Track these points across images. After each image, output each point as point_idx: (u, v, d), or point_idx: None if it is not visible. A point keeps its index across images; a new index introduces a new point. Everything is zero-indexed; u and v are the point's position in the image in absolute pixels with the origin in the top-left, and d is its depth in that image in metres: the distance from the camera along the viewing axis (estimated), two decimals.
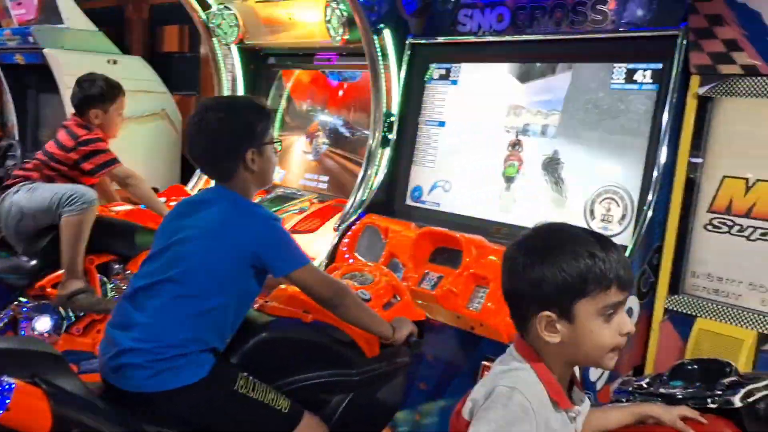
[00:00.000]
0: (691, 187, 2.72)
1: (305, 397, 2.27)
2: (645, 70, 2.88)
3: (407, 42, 3.61)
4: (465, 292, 2.89)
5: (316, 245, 3.55)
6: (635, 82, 2.91)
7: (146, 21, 5.96)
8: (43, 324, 3.57)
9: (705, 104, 2.70)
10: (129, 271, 3.75)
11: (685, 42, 2.69)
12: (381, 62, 3.63)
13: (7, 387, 1.82)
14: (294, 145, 4.49)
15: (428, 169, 3.58)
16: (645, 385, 1.97)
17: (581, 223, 2.97)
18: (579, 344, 1.48)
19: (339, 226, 3.52)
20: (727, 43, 2.60)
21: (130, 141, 4.84)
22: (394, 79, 3.66)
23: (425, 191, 3.58)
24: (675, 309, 2.66)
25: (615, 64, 2.96)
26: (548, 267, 1.45)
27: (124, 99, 3.89)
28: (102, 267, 3.68)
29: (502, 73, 3.36)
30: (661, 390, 1.90)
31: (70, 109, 4.70)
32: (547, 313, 1.47)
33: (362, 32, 3.60)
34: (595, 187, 2.96)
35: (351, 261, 3.24)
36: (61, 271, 3.58)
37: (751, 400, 1.74)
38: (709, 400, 1.76)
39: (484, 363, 2.85)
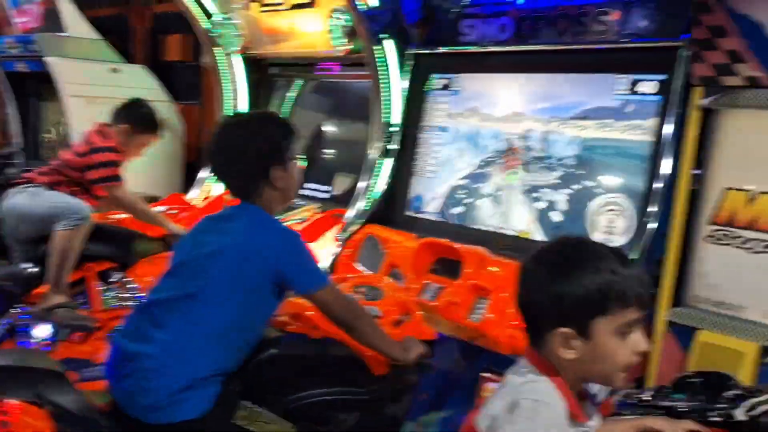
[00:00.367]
0: (694, 199, 2.70)
1: (312, 415, 2.26)
2: (648, 81, 2.87)
3: (409, 52, 3.60)
4: (466, 303, 2.88)
5: (318, 255, 3.53)
6: (638, 93, 2.90)
7: (149, 30, 5.97)
8: (42, 331, 3.56)
9: (708, 116, 2.69)
10: (128, 279, 3.74)
11: (687, 53, 2.69)
12: (382, 72, 3.62)
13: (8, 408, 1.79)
14: None
15: (429, 179, 3.57)
16: (647, 398, 1.95)
17: (584, 235, 2.95)
18: (594, 362, 1.47)
19: (340, 236, 3.51)
20: (730, 54, 2.59)
21: None
22: (396, 89, 3.65)
23: (426, 201, 3.57)
24: (677, 321, 2.64)
25: (618, 75, 2.95)
26: (569, 282, 1.43)
27: (156, 138, 3.91)
28: (101, 274, 3.67)
29: (503, 83, 3.36)
30: (664, 403, 1.88)
31: (72, 117, 4.73)
32: (564, 329, 1.45)
33: (364, 42, 3.59)
34: (598, 199, 2.95)
35: (354, 274, 3.21)
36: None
37: (754, 413, 1.72)
38: (712, 414, 1.74)
39: (484, 374, 2.83)
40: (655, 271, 2.73)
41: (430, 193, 3.55)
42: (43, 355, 2.46)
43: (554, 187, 3.10)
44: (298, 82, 4.60)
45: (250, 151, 2.20)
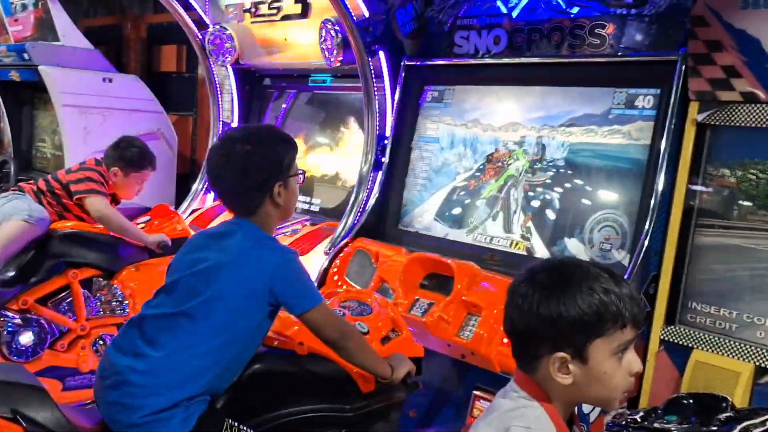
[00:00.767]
0: (690, 216, 2.66)
1: (296, 431, 2.21)
2: (643, 95, 2.83)
3: (402, 64, 3.57)
4: (456, 320, 2.83)
5: (307, 268, 3.48)
6: (633, 107, 2.86)
7: (144, 40, 5.95)
8: (26, 338, 3.51)
9: (704, 131, 2.65)
10: (114, 286, 3.70)
11: (683, 68, 2.65)
12: (375, 84, 3.58)
13: None
14: None
15: (420, 192, 3.52)
16: (639, 419, 1.91)
17: (579, 251, 2.91)
18: (591, 386, 1.42)
19: (329, 249, 3.46)
20: (726, 69, 2.55)
21: None
22: (388, 101, 3.61)
23: (417, 215, 3.52)
24: (671, 340, 2.59)
25: (613, 89, 2.91)
26: (564, 304, 1.38)
27: (150, 173, 3.91)
28: (85, 282, 3.63)
29: (497, 95, 3.32)
30: (656, 425, 1.85)
31: (65, 127, 4.70)
32: (561, 354, 1.40)
33: (356, 54, 3.56)
34: (592, 214, 2.90)
35: (343, 288, 3.15)
36: (46, 284, 3.54)
37: None
38: None
39: (476, 393, 2.78)
40: (650, 288, 2.69)
41: (422, 206, 3.50)
42: (22, 369, 2.39)
43: (548, 201, 3.05)
44: (291, 94, 4.56)
45: (252, 166, 2.14)
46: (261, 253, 2.11)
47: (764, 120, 2.48)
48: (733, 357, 2.44)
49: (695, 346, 2.52)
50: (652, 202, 2.67)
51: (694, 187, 2.65)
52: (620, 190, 2.87)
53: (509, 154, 3.22)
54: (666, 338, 2.60)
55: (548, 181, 3.07)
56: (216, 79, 4.61)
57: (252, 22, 4.22)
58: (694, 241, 2.65)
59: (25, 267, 3.51)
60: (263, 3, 4.11)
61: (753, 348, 2.42)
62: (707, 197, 2.64)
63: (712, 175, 2.63)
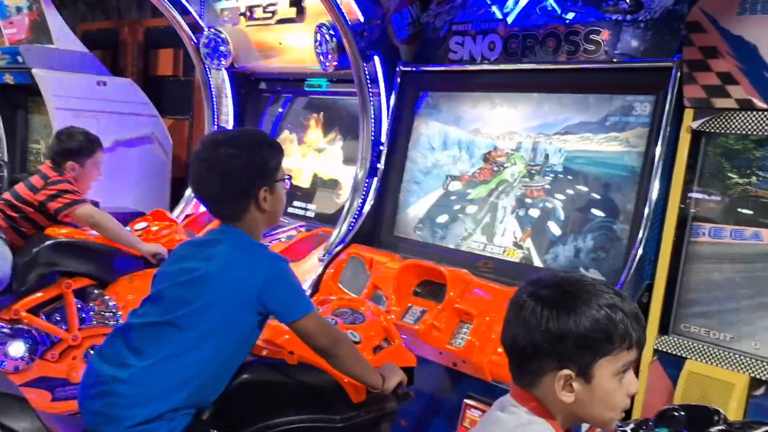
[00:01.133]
0: (684, 225, 2.63)
1: None
2: (639, 102, 2.81)
3: (398, 69, 3.54)
4: (448, 328, 2.80)
5: (301, 275, 3.46)
6: (628, 114, 2.83)
7: (141, 44, 5.93)
8: (16, 349, 3.47)
9: (699, 138, 2.62)
10: (107, 297, 3.66)
11: (679, 74, 2.62)
12: (370, 89, 3.55)
13: None
14: None
15: (415, 198, 3.50)
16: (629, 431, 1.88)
17: (572, 259, 2.88)
18: (592, 405, 1.41)
19: (324, 256, 3.43)
20: (722, 76, 2.52)
21: (118, 164, 4.78)
22: (384, 106, 3.59)
23: (412, 221, 3.49)
24: (664, 350, 2.56)
25: (608, 96, 2.89)
26: (573, 322, 1.36)
27: (101, 153, 3.85)
28: (79, 292, 3.58)
29: (493, 103, 3.29)
30: None
31: (58, 129, 4.66)
32: (567, 372, 1.37)
33: (351, 58, 3.53)
34: (587, 223, 2.87)
35: (336, 295, 3.12)
36: (38, 294, 3.50)
37: None
38: None
39: (467, 401, 2.75)
40: (643, 297, 2.66)
41: (417, 212, 3.47)
42: (4, 378, 2.36)
43: (542, 208, 3.02)
44: (287, 98, 4.54)
45: (236, 171, 2.07)
46: (250, 261, 2.07)
47: (760, 128, 2.46)
48: (728, 368, 2.41)
49: (689, 357, 2.49)
50: (647, 210, 2.65)
51: (689, 195, 2.62)
52: (615, 197, 2.84)
53: (506, 156, 3.18)
54: (659, 348, 2.56)
55: (543, 188, 3.04)
56: (211, 82, 4.59)
57: (247, 26, 4.20)
58: (689, 249, 2.63)
59: (17, 276, 3.47)
60: (258, 6, 4.08)
61: (748, 359, 2.38)
62: (702, 205, 2.62)
63: (707, 183, 2.61)
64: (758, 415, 2.34)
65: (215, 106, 4.62)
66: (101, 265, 3.63)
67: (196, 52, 4.48)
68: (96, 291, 3.64)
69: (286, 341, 2.27)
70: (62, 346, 3.57)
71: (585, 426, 2.56)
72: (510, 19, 3.17)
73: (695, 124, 2.59)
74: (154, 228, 3.98)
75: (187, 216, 4.44)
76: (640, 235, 2.63)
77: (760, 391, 2.39)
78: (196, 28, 4.48)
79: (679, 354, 2.52)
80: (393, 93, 3.55)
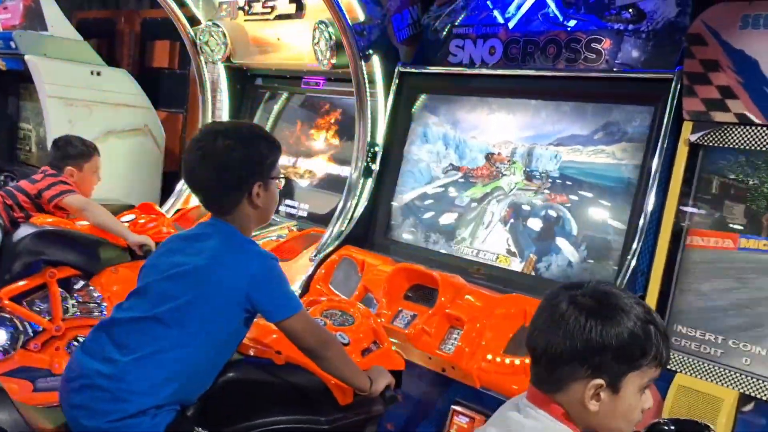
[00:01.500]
0: (678, 237, 2.62)
1: None
2: (637, 113, 2.79)
3: (396, 70, 3.52)
4: (438, 333, 2.77)
5: (292, 274, 3.43)
6: (627, 124, 2.82)
7: (138, 35, 5.87)
8: None
9: (696, 151, 2.61)
10: (92, 288, 3.61)
11: (678, 86, 2.61)
12: (368, 89, 3.52)
13: None
14: None
15: (410, 201, 3.47)
16: None
17: (565, 269, 2.86)
18: (614, 417, 1.43)
19: (315, 256, 3.40)
20: (722, 89, 2.52)
21: (109, 155, 4.71)
22: (381, 107, 3.56)
23: (406, 224, 3.47)
24: None
25: (607, 105, 2.87)
26: (614, 334, 1.39)
27: (98, 159, 3.95)
28: (63, 282, 3.53)
29: (491, 106, 3.27)
30: None
31: (50, 118, 4.61)
32: (599, 381, 1.40)
33: (350, 57, 3.50)
34: (581, 232, 2.86)
35: (327, 297, 3.09)
36: (22, 283, 3.45)
37: None
38: None
39: (455, 407, 2.72)
40: None
41: (411, 215, 3.45)
42: None
43: (537, 217, 3.00)
44: (283, 95, 4.51)
45: (234, 163, 2.05)
46: (238, 257, 2.04)
47: (758, 143, 2.45)
48: (717, 383, 2.40)
49: (679, 370, 2.48)
50: (641, 221, 2.63)
51: (684, 208, 2.61)
52: (609, 208, 2.82)
53: (506, 161, 3.16)
54: None
55: (538, 196, 3.02)
56: (207, 76, 4.55)
57: (245, 20, 4.16)
58: (682, 262, 2.61)
59: (1, 264, 3.42)
60: (257, 1, 4.05)
61: (738, 375, 2.37)
62: (697, 218, 2.61)
63: (702, 196, 2.60)
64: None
65: (210, 101, 4.57)
66: (86, 255, 3.57)
67: (193, 46, 4.44)
68: (81, 281, 3.59)
69: (273, 341, 2.24)
70: (45, 336, 3.50)
71: None
72: (511, 24, 3.15)
73: (693, 137, 2.58)
74: (141, 221, 3.93)
75: (177, 210, 4.40)
76: (634, 246, 2.61)
77: (749, 407, 2.38)
78: (193, 20, 4.44)
79: (669, 367, 2.50)
80: (390, 94, 3.52)
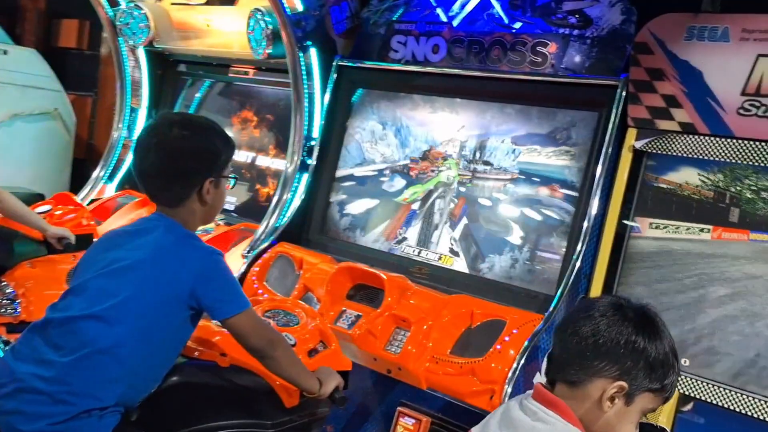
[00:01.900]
0: (621, 241, 2.68)
1: None
2: (582, 118, 2.83)
3: (335, 63, 3.44)
4: (384, 334, 2.74)
5: None
6: (571, 129, 2.85)
7: (42, 11, 5.52)
8: None
9: (640, 158, 2.68)
10: (5, 283, 3.37)
11: (624, 93, 2.67)
12: (305, 82, 3.44)
13: None
14: None
15: (347, 198, 3.41)
16: None
17: (508, 270, 2.88)
18: (613, 427, 1.48)
19: (248, 252, 3.29)
20: (667, 98, 2.59)
21: (16, 140, 4.43)
22: (317, 101, 3.48)
23: (341, 222, 3.41)
24: None
25: (551, 109, 2.90)
26: (652, 347, 1.45)
27: None
28: None
29: (433, 107, 3.25)
30: None
31: None
32: (624, 383, 1.44)
33: (287, 48, 3.40)
34: (525, 234, 2.88)
35: (265, 295, 3.00)
36: None
37: None
38: None
39: (401, 409, 2.70)
40: None
41: (348, 212, 3.39)
42: None
43: (480, 218, 3.01)
44: (206, 82, 4.34)
45: (186, 153, 2.00)
46: (183, 252, 1.97)
47: (701, 152, 2.53)
48: None
49: None
50: (585, 224, 2.68)
51: (627, 213, 2.68)
52: (554, 211, 2.85)
53: (445, 158, 3.15)
54: None
55: (481, 197, 3.03)
56: (125, 60, 4.32)
57: (172, 4, 3.97)
58: (624, 265, 2.68)
59: None
60: None
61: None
62: (638, 222, 2.68)
63: (645, 202, 2.67)
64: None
65: (128, 86, 4.35)
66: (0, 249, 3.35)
67: (112, 27, 4.20)
68: None
69: (218, 342, 2.19)
70: None
71: None
72: (455, 23, 3.14)
73: (638, 144, 2.65)
74: (58, 212, 3.71)
75: (92, 201, 4.16)
76: (579, 247, 2.66)
77: (688, 407, 2.47)
78: (112, 0, 4.20)
79: None
80: (328, 88, 3.44)
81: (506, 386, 2.44)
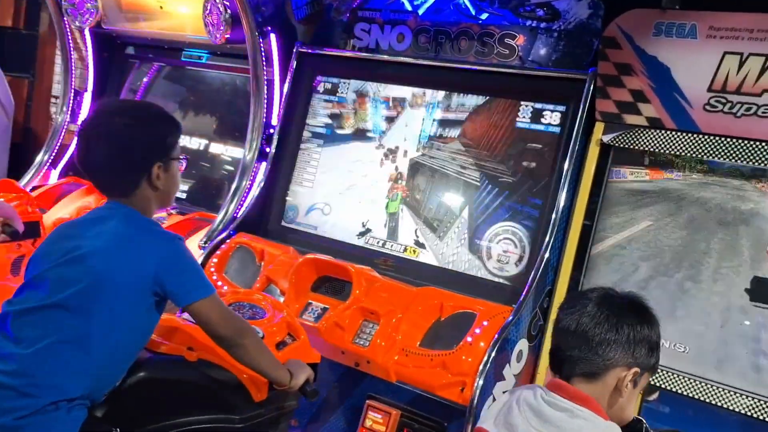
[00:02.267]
0: (588, 233, 2.71)
1: None
2: (549, 111, 2.84)
3: (295, 50, 3.36)
4: (352, 327, 2.70)
5: None
6: (539, 122, 2.86)
7: None
8: None
9: (607, 151, 2.70)
10: None
11: (591, 87, 2.69)
12: (265, 68, 3.35)
13: None
14: None
15: (307, 188, 3.35)
16: None
17: (474, 262, 2.88)
18: (627, 406, 1.66)
19: (205, 243, 3.20)
20: (635, 93, 2.62)
21: None
22: (277, 88, 3.40)
23: (302, 212, 3.34)
24: None
25: (518, 102, 2.90)
26: (653, 332, 1.64)
27: None
28: None
29: (397, 96, 3.21)
30: None
31: None
32: (637, 369, 1.61)
33: (247, 33, 3.30)
34: (492, 226, 2.88)
35: (226, 287, 2.92)
36: None
37: None
38: None
39: (369, 402, 2.67)
40: (544, 302, 2.72)
41: (309, 202, 3.33)
42: None
43: (446, 209, 3.00)
44: (154, 66, 4.19)
45: (130, 142, 1.97)
46: (144, 238, 1.95)
47: (667, 147, 2.57)
48: None
49: None
50: (554, 216, 2.69)
51: (594, 206, 2.71)
52: (522, 203, 2.86)
53: (405, 153, 3.13)
54: None
55: (447, 188, 3.01)
56: (69, 41, 4.13)
57: None
58: (591, 257, 2.72)
59: None
60: None
61: None
62: (605, 215, 2.71)
63: (611, 195, 2.70)
64: (649, 419, 2.46)
65: (72, 69, 4.16)
66: None
67: (56, 7, 4.01)
68: None
69: (184, 336, 2.15)
70: None
71: None
72: (421, 12, 3.10)
73: (606, 138, 2.68)
74: (0, 199, 3.52)
75: (34, 188, 3.98)
76: (547, 239, 2.67)
77: (654, 396, 2.53)
78: None
79: None
80: (288, 74, 3.37)
81: (477, 378, 2.44)
